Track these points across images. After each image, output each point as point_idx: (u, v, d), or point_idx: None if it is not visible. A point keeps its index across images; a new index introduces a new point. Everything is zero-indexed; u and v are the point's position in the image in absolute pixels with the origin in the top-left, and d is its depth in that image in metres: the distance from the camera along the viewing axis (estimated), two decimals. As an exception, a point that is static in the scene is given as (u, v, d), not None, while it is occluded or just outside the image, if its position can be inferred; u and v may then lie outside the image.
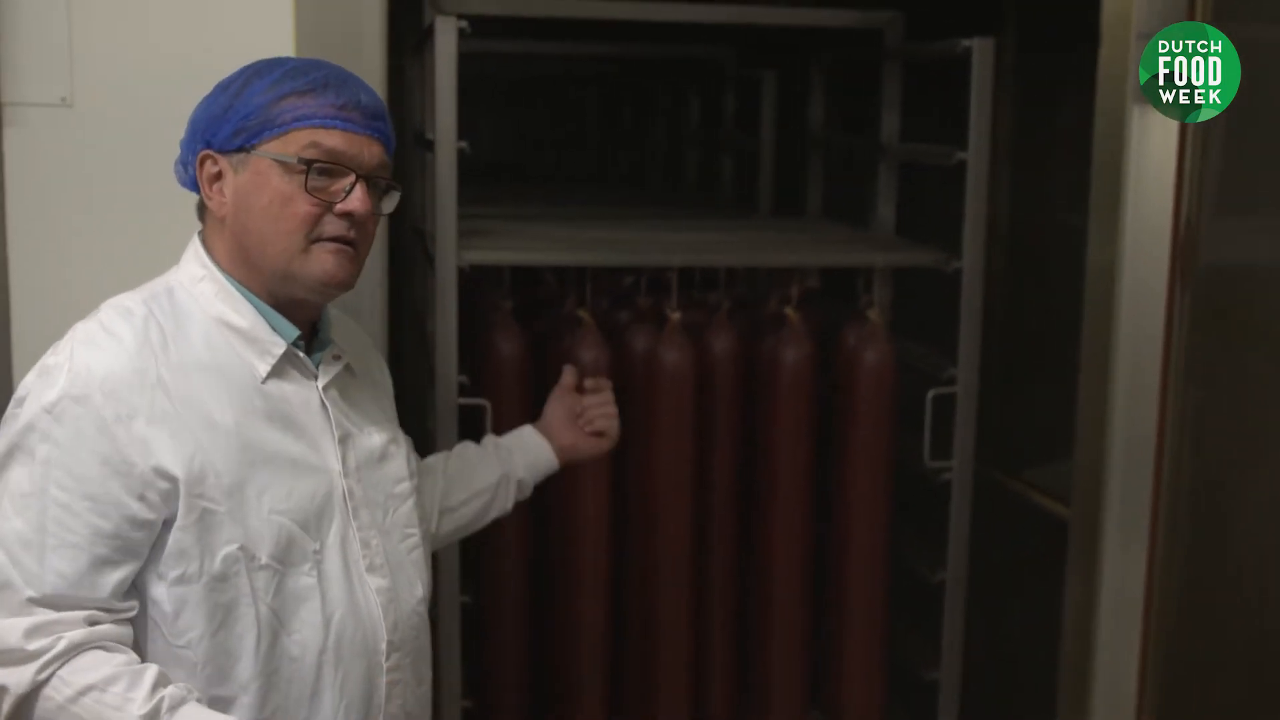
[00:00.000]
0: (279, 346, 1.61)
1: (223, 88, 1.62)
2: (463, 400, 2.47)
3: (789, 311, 2.67)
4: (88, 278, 2.01)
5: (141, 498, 1.51)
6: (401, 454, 1.77)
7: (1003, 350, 2.80)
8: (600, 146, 5.51)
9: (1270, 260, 2.09)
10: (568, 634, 2.71)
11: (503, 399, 2.59)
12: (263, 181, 1.57)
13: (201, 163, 1.61)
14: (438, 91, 2.36)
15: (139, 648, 1.54)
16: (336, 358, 1.68)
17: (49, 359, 1.55)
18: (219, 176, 1.60)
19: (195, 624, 1.54)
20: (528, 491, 2.17)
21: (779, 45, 3.54)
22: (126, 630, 1.52)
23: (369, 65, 2.05)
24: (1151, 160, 2.11)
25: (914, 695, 2.88)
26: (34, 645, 1.46)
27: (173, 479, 1.51)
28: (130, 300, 1.60)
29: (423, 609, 1.74)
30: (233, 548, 1.54)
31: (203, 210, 1.65)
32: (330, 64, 1.64)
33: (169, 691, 1.47)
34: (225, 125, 1.58)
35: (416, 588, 1.72)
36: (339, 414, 1.66)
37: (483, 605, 2.75)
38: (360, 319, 2.00)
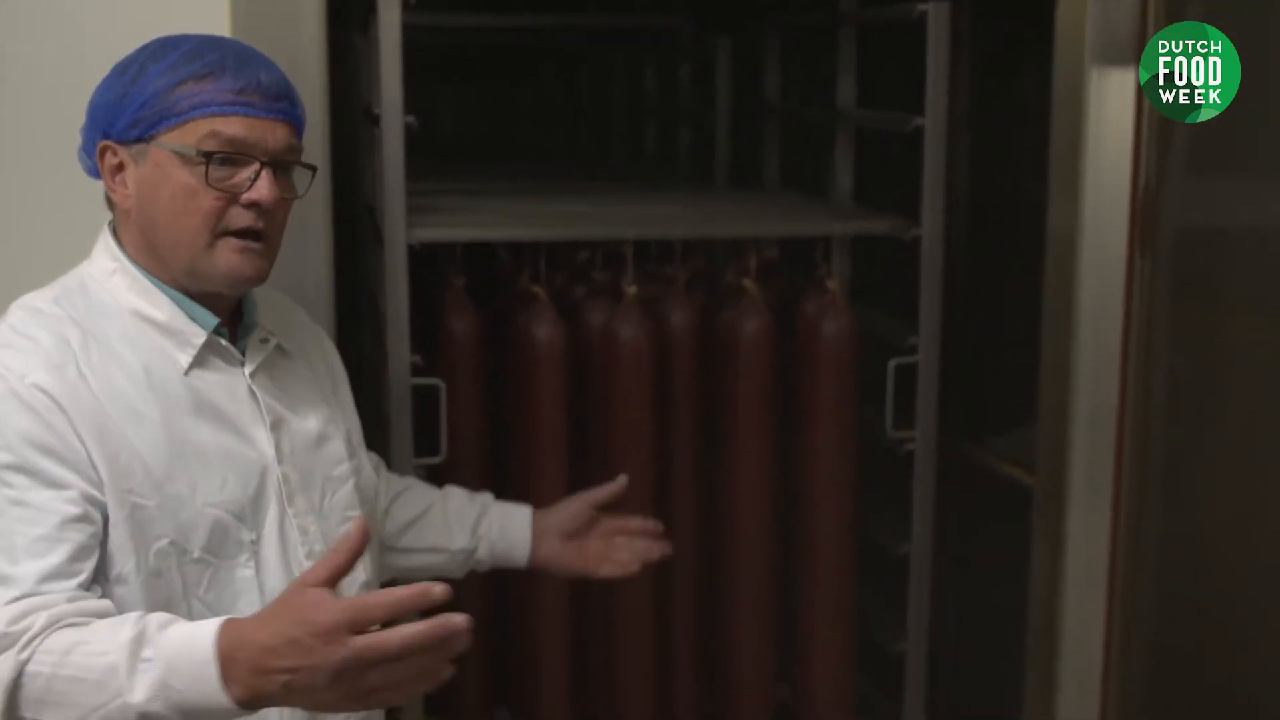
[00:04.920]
0: (199, 337, 1.58)
1: (119, 72, 1.57)
2: (415, 380, 2.43)
3: (747, 283, 2.64)
4: (9, 264, 1.96)
5: (91, 480, 1.48)
6: (341, 435, 1.74)
7: (964, 318, 2.78)
8: (555, 120, 5.46)
9: (1231, 223, 2.08)
10: (527, 613, 2.69)
11: (457, 378, 2.55)
12: (164, 174, 1.53)
13: (102, 153, 1.57)
14: (382, 65, 2.31)
15: None
16: (264, 340, 1.65)
17: None
18: (120, 168, 1.57)
19: None
20: (481, 568, 2.16)
21: (734, 13, 3.49)
22: (108, 603, 1.47)
23: (308, 40, 2.00)
24: (1110, 124, 2.10)
25: (881, 667, 2.87)
26: (15, 628, 1.40)
27: (99, 471, 1.48)
28: (40, 300, 1.56)
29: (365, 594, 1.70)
30: (163, 542, 1.51)
31: (111, 200, 1.62)
32: (230, 42, 1.60)
33: (154, 616, 1.41)
34: (122, 114, 1.54)
35: (357, 572, 1.67)
36: (269, 399, 1.62)
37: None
38: (306, 300, 1.96)
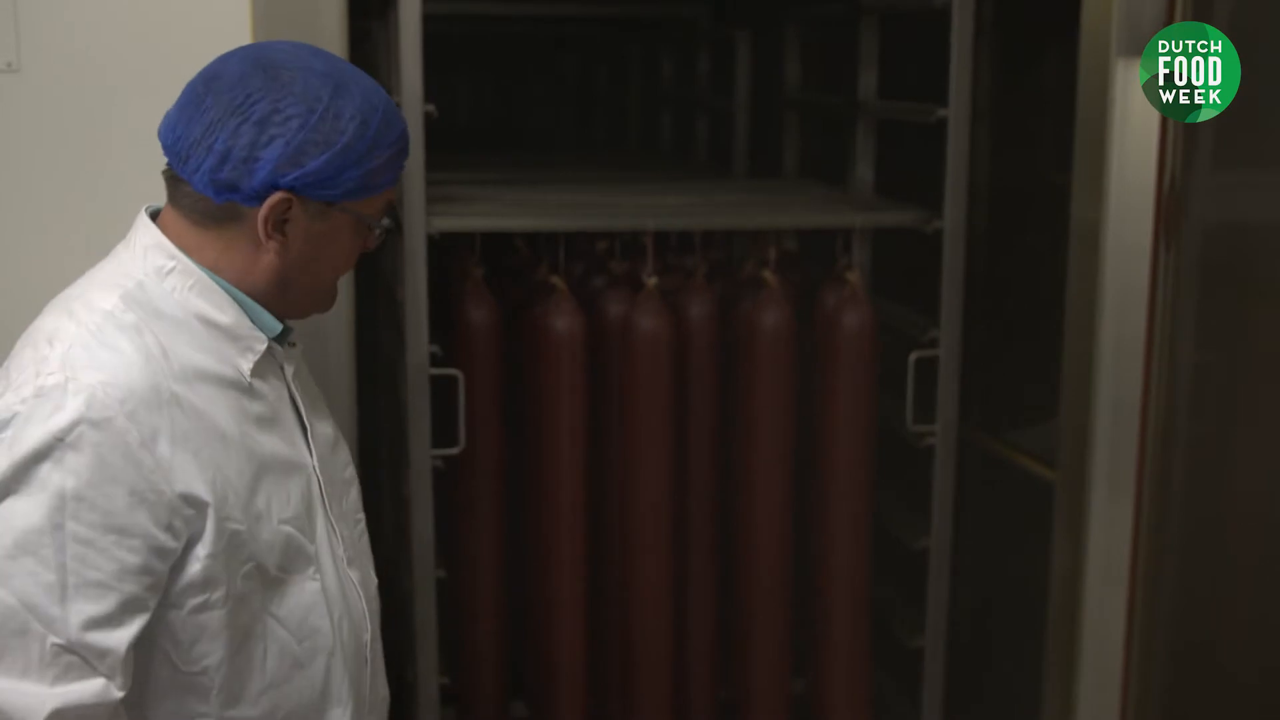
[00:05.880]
0: (261, 342, 1.49)
1: (326, 133, 1.43)
2: (434, 370, 2.42)
3: (766, 275, 2.63)
4: (37, 247, 1.94)
5: (169, 526, 1.38)
6: (344, 436, 1.70)
7: (986, 311, 2.76)
8: (573, 108, 5.44)
9: (1256, 217, 2.07)
10: (545, 607, 2.68)
11: (475, 369, 2.54)
12: (337, 234, 1.48)
13: (275, 203, 1.43)
14: (402, 54, 2.31)
15: (142, 679, 1.42)
16: (293, 344, 1.59)
17: (44, 379, 1.37)
18: (288, 219, 1.45)
19: (213, 650, 1.44)
20: None
21: (754, 3, 3.48)
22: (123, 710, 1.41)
23: (328, 28, 1.98)
24: (1136, 116, 2.08)
25: (899, 662, 2.86)
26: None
27: (201, 504, 1.40)
28: (108, 301, 1.43)
29: (377, 594, 1.68)
30: (249, 566, 1.44)
31: (175, 185, 1.47)
32: (396, 107, 1.53)
33: None
34: (333, 181, 1.44)
35: (372, 573, 1.66)
36: (304, 403, 1.58)
37: (459, 579, 2.71)
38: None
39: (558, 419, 2.57)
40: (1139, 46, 2.03)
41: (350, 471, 1.67)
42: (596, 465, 2.66)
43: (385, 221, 1.52)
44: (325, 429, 1.62)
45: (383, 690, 1.68)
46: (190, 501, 1.39)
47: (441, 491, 2.52)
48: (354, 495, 1.67)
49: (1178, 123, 2.07)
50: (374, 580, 1.66)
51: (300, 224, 1.46)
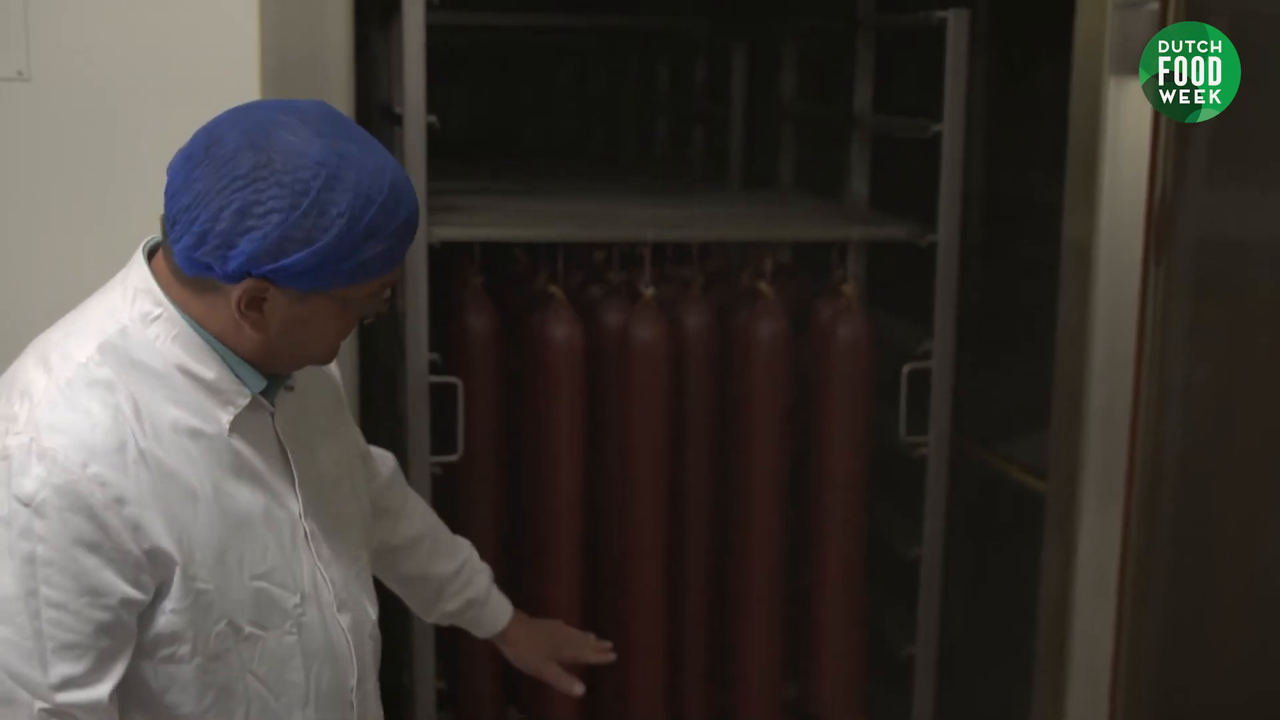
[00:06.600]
0: (244, 397, 1.46)
1: (308, 229, 1.35)
2: (434, 378, 2.44)
3: (762, 286, 2.65)
4: (45, 256, 1.95)
5: (136, 582, 1.38)
6: (349, 471, 1.67)
7: (979, 323, 2.78)
8: (570, 119, 5.47)
9: (1246, 233, 2.09)
10: (541, 612, 2.69)
11: (474, 377, 2.56)
12: (318, 314, 1.42)
13: (247, 288, 1.38)
14: (406, 66, 2.32)
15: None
16: (290, 389, 1.54)
17: (10, 439, 1.36)
18: (263, 302, 1.40)
19: (185, 702, 1.44)
20: (443, 621, 2.11)
21: (750, 15, 3.51)
22: None
23: (335, 38, 2.00)
24: (1128, 133, 2.10)
25: (891, 671, 2.88)
26: None
27: (169, 561, 1.39)
28: (84, 352, 1.40)
29: (376, 630, 1.66)
30: (222, 624, 1.44)
31: (166, 235, 1.43)
32: (405, 187, 1.42)
33: None
34: (314, 275, 1.37)
35: (369, 612, 1.64)
36: (293, 447, 1.53)
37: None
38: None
39: (555, 426, 2.59)
40: (1131, 64, 2.05)
41: (352, 509, 1.64)
42: (593, 472, 2.68)
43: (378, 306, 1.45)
44: (323, 469, 1.59)
45: (374, 711, 1.66)
46: (156, 558, 1.39)
47: (440, 498, 2.53)
48: (355, 534, 1.63)
49: (1169, 139, 2.09)
50: (371, 619, 1.64)
51: (279, 306, 1.40)
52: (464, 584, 2.06)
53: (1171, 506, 2.19)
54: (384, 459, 1.95)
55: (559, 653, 2.18)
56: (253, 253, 1.35)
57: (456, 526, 2.69)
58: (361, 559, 1.64)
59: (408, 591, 2.05)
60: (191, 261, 1.38)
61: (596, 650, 2.24)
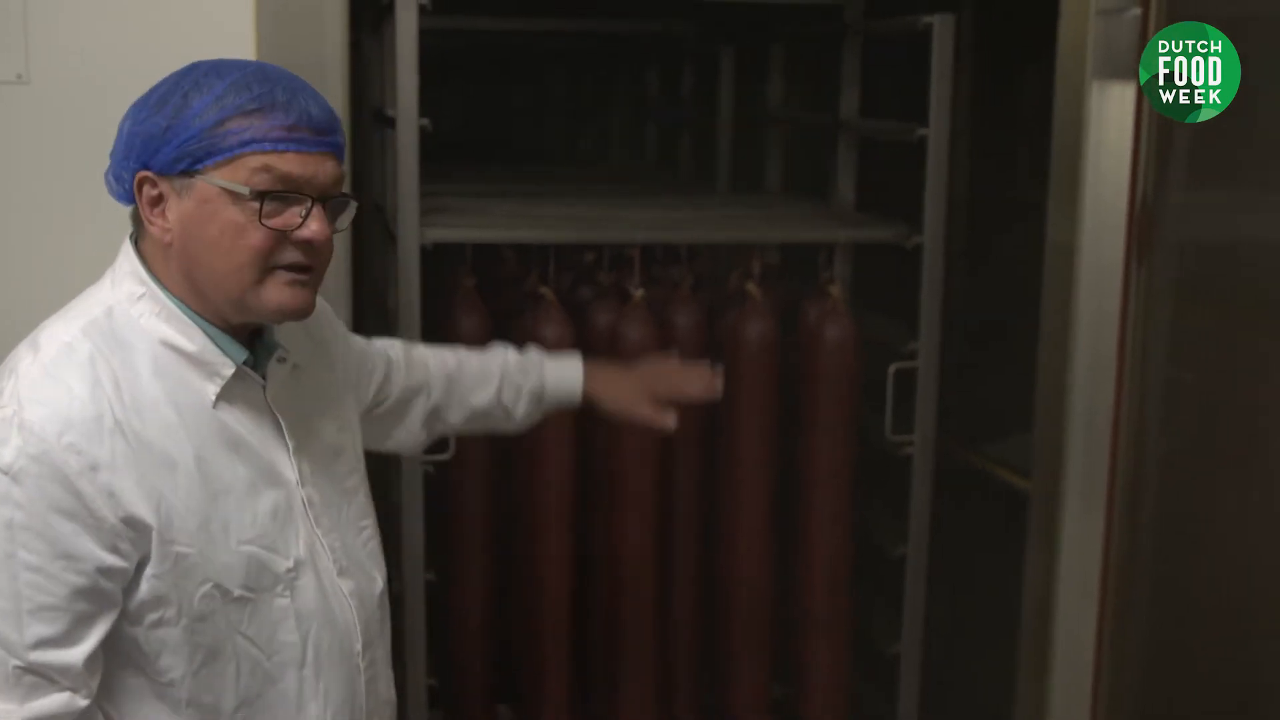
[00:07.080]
0: (228, 368, 1.52)
1: (158, 102, 1.47)
2: (426, 379, 2.45)
3: (750, 287, 2.68)
4: (45, 257, 1.97)
5: (114, 549, 1.44)
6: (350, 443, 1.71)
7: (964, 325, 2.81)
8: (560, 123, 5.48)
9: (1227, 236, 2.10)
10: (532, 611, 2.72)
11: (466, 377, 2.57)
12: (211, 211, 1.46)
13: (140, 184, 1.48)
14: (398, 70, 2.34)
15: (117, 687, 1.49)
16: (281, 360, 1.59)
17: None
18: (160, 199, 1.48)
19: (176, 664, 1.49)
20: (533, 420, 2.12)
21: (738, 20, 3.53)
22: (94, 709, 1.47)
23: (330, 42, 2.03)
24: (1110, 137, 2.12)
25: (876, 668, 2.90)
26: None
27: (144, 527, 1.45)
28: (69, 333, 1.48)
29: (384, 599, 1.70)
30: (207, 587, 1.49)
31: (139, 220, 1.53)
32: (276, 71, 1.50)
33: None
34: (165, 147, 1.45)
35: (376, 580, 1.68)
36: (288, 420, 1.58)
37: (448, 582, 2.75)
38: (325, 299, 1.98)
39: (545, 425, 2.61)
40: (1114, 69, 2.07)
41: (354, 480, 1.69)
42: (583, 471, 2.70)
43: (265, 190, 1.45)
44: (323, 441, 1.63)
45: (386, 694, 1.72)
46: (133, 525, 1.44)
47: (432, 497, 2.56)
48: (358, 504, 1.68)
49: (1151, 143, 2.10)
50: (378, 587, 1.68)
51: (173, 204, 1.48)
52: (515, 392, 2.08)
53: (1154, 507, 2.21)
54: (391, 347, 2.00)
55: (653, 390, 2.15)
56: (122, 150, 1.50)
57: (448, 525, 2.73)
58: (367, 530, 1.69)
59: (481, 425, 2.09)
60: (112, 185, 1.53)
61: (698, 380, 2.20)
